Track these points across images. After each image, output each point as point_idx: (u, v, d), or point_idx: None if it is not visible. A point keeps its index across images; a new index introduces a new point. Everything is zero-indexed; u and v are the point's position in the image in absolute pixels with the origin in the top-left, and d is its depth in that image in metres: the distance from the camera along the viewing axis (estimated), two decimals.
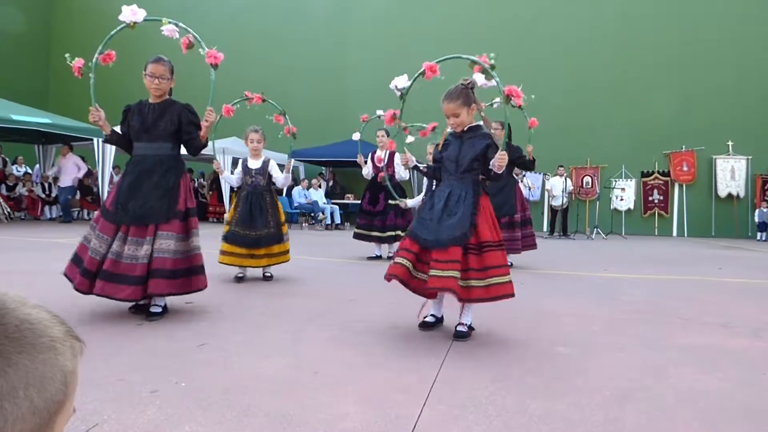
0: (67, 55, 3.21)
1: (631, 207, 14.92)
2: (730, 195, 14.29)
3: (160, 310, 3.19)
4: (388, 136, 6.49)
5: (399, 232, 6.40)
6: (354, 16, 16.74)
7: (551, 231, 13.49)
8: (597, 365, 2.50)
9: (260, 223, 4.51)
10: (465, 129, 2.99)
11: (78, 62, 3.19)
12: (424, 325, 3.08)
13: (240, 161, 4.79)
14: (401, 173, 6.50)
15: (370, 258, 6.68)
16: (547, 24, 15.12)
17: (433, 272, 2.75)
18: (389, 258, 6.59)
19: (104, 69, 3.29)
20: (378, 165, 6.54)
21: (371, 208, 6.66)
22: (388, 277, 2.89)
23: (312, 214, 14.21)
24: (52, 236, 8.52)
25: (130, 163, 3.20)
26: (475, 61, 2.93)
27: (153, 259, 3.02)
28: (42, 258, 5.87)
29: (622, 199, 14.82)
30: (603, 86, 14.75)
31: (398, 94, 3.28)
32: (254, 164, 4.64)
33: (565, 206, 13.11)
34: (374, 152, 6.67)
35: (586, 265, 7.03)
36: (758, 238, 13.21)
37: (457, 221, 2.81)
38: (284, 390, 2.04)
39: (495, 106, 5.43)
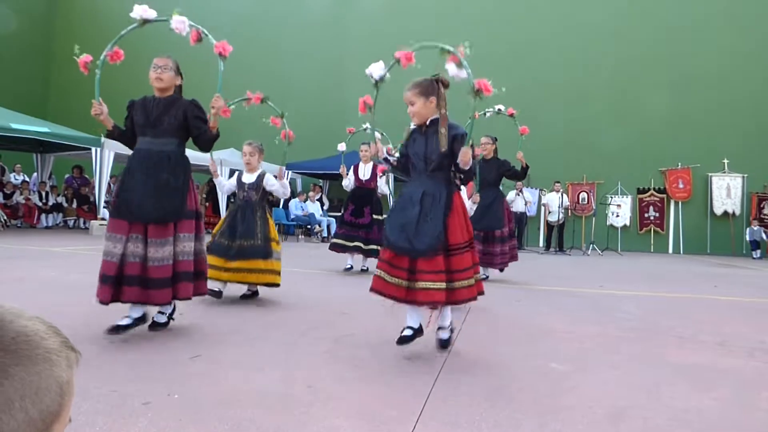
0: (77, 48, 3.17)
1: (627, 223, 14.97)
2: (725, 213, 14.36)
3: (165, 319, 3.13)
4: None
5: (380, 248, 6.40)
6: (352, 29, 16.91)
7: (547, 246, 13.52)
8: (591, 382, 2.49)
9: (242, 232, 4.20)
10: (427, 123, 2.87)
11: (85, 58, 3.15)
12: (402, 340, 2.80)
13: (236, 173, 4.61)
14: (383, 188, 6.57)
15: (346, 270, 6.59)
16: (544, 41, 15.28)
17: (422, 284, 2.66)
18: (362, 270, 6.64)
19: (107, 71, 3.24)
20: (363, 177, 6.61)
21: (353, 219, 6.57)
22: (373, 290, 2.83)
23: (308, 227, 14.21)
24: (48, 244, 8.50)
25: (133, 158, 3.10)
26: (447, 50, 2.83)
27: (177, 262, 2.98)
28: (38, 266, 5.85)
29: (618, 216, 14.88)
30: (599, 103, 14.89)
31: (373, 81, 3.14)
32: (248, 178, 4.43)
33: (561, 222, 13.15)
34: (357, 165, 6.71)
35: (582, 281, 7.03)
36: (753, 256, 13.26)
37: (431, 227, 2.69)
38: (277, 403, 2.03)
39: (487, 115, 5.49)
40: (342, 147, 6.89)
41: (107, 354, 2.60)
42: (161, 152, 3.05)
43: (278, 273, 4.37)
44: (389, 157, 3.08)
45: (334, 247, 6.66)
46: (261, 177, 4.42)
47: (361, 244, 6.47)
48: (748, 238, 13.43)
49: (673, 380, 2.58)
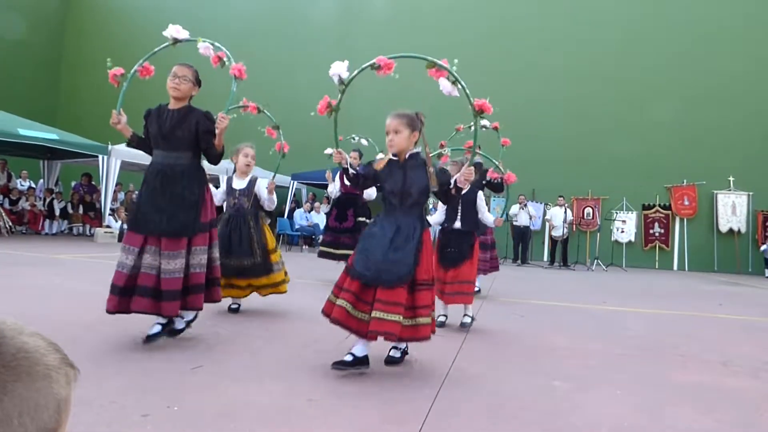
0: (108, 60, 3.25)
1: (632, 239, 14.90)
2: (731, 230, 14.28)
3: (183, 325, 3.17)
4: (360, 157, 6.60)
5: None
6: (358, 43, 17.03)
7: (551, 261, 13.46)
8: (593, 402, 2.47)
9: (241, 252, 4.02)
10: (406, 157, 2.81)
11: (117, 70, 3.23)
12: (342, 364, 2.65)
13: (225, 179, 4.33)
14: (369, 193, 6.57)
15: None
16: (549, 56, 15.33)
17: (376, 314, 2.57)
18: None
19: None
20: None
21: (337, 225, 6.55)
22: (325, 315, 2.76)
23: (312, 237, 14.23)
24: (52, 252, 8.53)
25: (149, 171, 3.14)
26: (434, 63, 2.79)
27: (190, 275, 3.01)
28: (42, 273, 5.87)
29: (622, 231, 14.82)
30: (605, 118, 14.89)
31: (336, 81, 3.03)
32: (239, 184, 4.19)
33: (565, 237, 13.10)
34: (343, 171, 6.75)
35: (586, 296, 6.99)
36: (766, 274, 13.15)
37: (401, 258, 2.64)
38: (277, 417, 2.03)
39: (472, 129, 5.53)
40: (329, 151, 6.98)
41: (108, 364, 2.60)
42: (175, 166, 3.07)
43: (280, 283, 4.28)
44: (350, 170, 2.94)
45: (321, 255, 6.66)
46: (252, 182, 4.22)
47: (347, 251, 6.40)
48: (763, 252, 13.31)
49: (676, 400, 2.55)
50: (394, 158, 2.85)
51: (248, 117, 4.73)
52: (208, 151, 3.16)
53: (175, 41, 3.27)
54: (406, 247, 2.67)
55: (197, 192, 3.09)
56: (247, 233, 4.11)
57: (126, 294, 2.90)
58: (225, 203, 4.27)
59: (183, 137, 3.07)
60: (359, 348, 2.71)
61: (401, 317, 2.60)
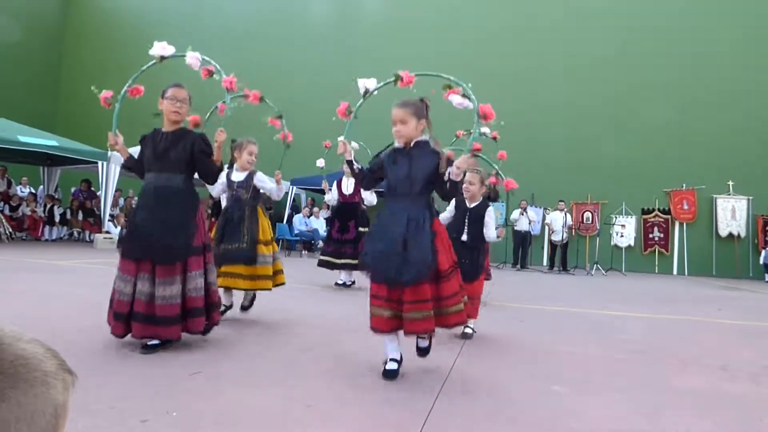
0: (93, 87, 3.32)
1: (632, 244, 14.91)
2: (730, 234, 14.29)
3: (157, 341, 3.13)
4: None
5: None
6: (360, 47, 17.09)
7: (551, 266, 13.47)
8: (592, 406, 2.47)
9: (230, 237, 4.06)
10: (412, 144, 2.81)
11: (106, 93, 3.29)
12: (389, 374, 2.74)
13: (225, 171, 4.32)
14: (369, 199, 6.55)
15: (338, 285, 6.69)
16: (549, 60, 15.38)
17: (408, 315, 2.61)
18: (348, 285, 6.69)
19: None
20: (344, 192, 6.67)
21: (340, 236, 6.61)
22: (380, 332, 2.76)
23: (312, 242, 14.22)
24: (52, 258, 8.53)
25: (141, 195, 3.14)
26: (452, 82, 2.92)
27: (187, 299, 3.00)
28: (41, 279, 5.87)
29: (622, 236, 14.83)
30: (605, 122, 14.92)
31: (362, 91, 3.16)
32: (237, 177, 4.25)
33: (564, 241, 13.11)
34: (340, 179, 6.77)
35: (586, 301, 6.99)
36: (766, 279, 13.15)
37: (422, 253, 2.62)
38: (276, 422, 2.03)
39: (482, 137, 5.59)
40: (321, 163, 7.07)
41: (106, 370, 2.60)
42: (167, 188, 3.06)
43: (268, 276, 4.19)
44: (354, 162, 2.98)
45: (323, 265, 6.70)
46: (251, 175, 4.26)
47: (350, 261, 6.49)
48: (762, 261, 13.32)
49: (674, 404, 2.55)
50: (398, 146, 2.86)
51: (248, 108, 4.71)
52: (207, 168, 3.16)
53: (162, 58, 3.29)
54: (421, 239, 2.65)
55: (189, 214, 3.07)
56: (239, 220, 4.13)
57: (129, 320, 2.95)
58: (225, 196, 4.31)
59: (177, 158, 3.06)
60: (394, 350, 2.78)
61: (432, 312, 2.62)
